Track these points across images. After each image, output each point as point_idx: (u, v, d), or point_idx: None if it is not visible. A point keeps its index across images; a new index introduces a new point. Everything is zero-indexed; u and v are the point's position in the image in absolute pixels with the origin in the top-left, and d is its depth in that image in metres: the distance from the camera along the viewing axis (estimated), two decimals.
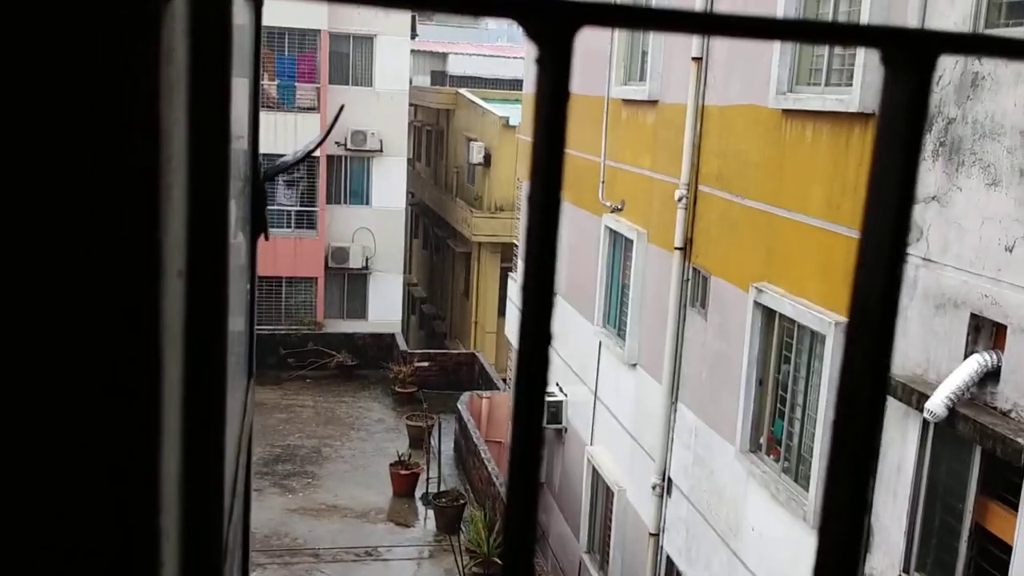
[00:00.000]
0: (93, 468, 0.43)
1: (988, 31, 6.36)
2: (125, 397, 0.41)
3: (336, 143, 25.86)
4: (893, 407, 7.03)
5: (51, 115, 0.40)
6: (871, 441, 0.47)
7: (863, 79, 7.55)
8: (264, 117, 26.49)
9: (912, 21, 6.93)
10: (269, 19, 24.54)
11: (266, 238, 1.43)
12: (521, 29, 0.41)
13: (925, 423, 6.61)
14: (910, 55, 0.42)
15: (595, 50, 13.66)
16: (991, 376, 6.16)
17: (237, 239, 1.17)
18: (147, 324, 0.42)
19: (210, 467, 0.63)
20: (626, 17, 0.40)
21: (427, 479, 17.34)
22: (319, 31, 25.41)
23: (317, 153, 25.02)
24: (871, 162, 0.43)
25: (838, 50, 8.29)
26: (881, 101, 0.43)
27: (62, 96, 0.39)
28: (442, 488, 17.17)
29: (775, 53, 8.85)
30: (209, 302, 0.59)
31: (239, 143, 1.13)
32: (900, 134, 0.42)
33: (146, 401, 0.42)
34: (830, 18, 8.31)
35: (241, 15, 1.05)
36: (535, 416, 0.42)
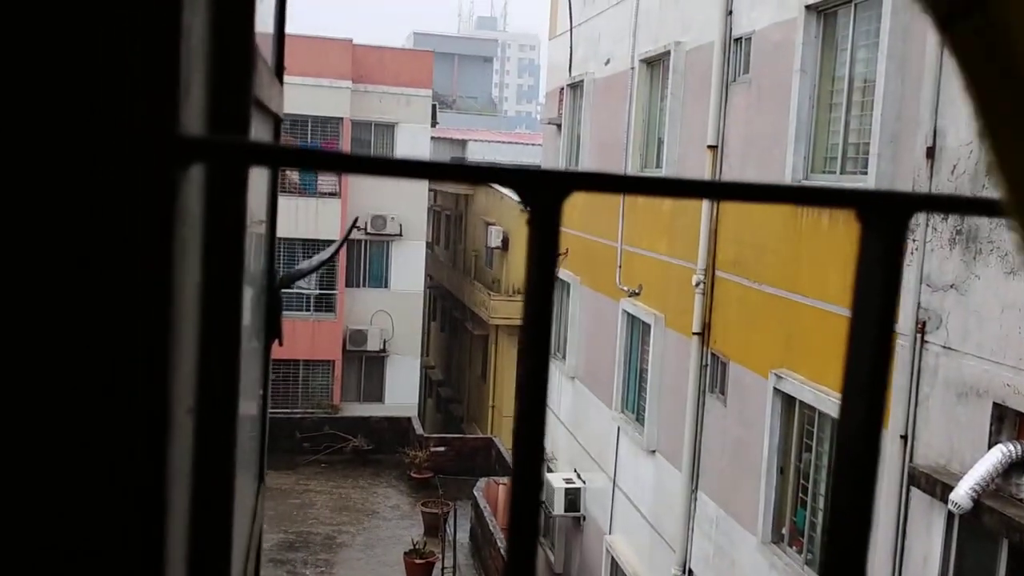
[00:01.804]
0: None
1: None
2: (131, 546, 0.43)
3: (356, 227, 26.19)
4: (917, 498, 6.90)
5: (67, 274, 0.42)
6: (869, 501, 0.47)
7: (878, 167, 7.62)
8: (286, 202, 26.65)
9: (925, 114, 7.03)
10: (293, 107, 25.18)
11: (280, 344, 1.46)
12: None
13: (950, 515, 6.47)
14: (883, 215, 0.44)
15: (612, 136, 13.89)
16: (1016, 467, 6.05)
17: (251, 346, 1.19)
18: (152, 464, 0.44)
19: None
20: (608, 183, 0.42)
21: (442, 568, 17.01)
22: (341, 119, 25.99)
23: (336, 237, 25.33)
24: (850, 314, 0.45)
25: (852, 138, 8.40)
26: (857, 256, 0.45)
27: (80, 256, 0.42)
28: None
29: (790, 141, 8.97)
30: (217, 437, 0.61)
31: (256, 255, 1.16)
32: (876, 288, 0.44)
33: (150, 543, 0.43)
34: (843, 112, 8.44)
35: (264, 137, 1.10)
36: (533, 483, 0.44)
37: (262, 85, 0.87)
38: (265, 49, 1.19)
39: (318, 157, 0.42)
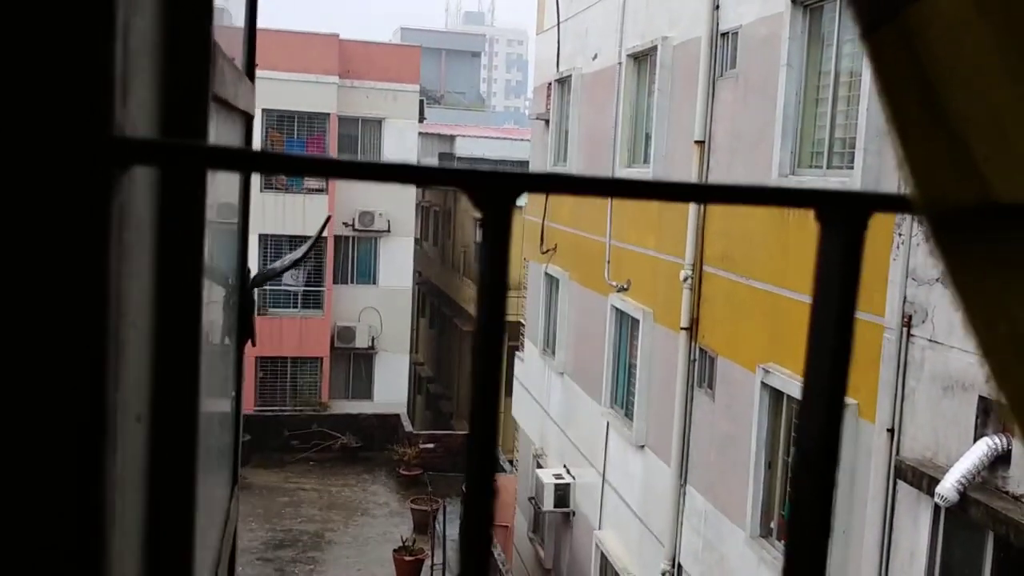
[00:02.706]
0: None
1: None
2: (68, 560, 0.42)
3: (344, 223, 26.13)
4: (904, 491, 6.93)
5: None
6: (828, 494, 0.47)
7: (864, 161, 7.64)
8: (273, 199, 26.55)
9: None
10: (279, 103, 25.06)
11: (253, 344, 1.44)
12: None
13: (936, 508, 6.50)
14: (842, 215, 0.43)
15: (600, 131, 13.89)
16: (1002, 460, 6.08)
17: (224, 346, 1.18)
18: (89, 475, 0.42)
19: None
20: (556, 184, 0.41)
21: (432, 565, 17.02)
22: (328, 114, 25.91)
23: (325, 233, 25.29)
24: (810, 311, 0.44)
25: (839, 133, 8.42)
26: (817, 256, 0.44)
27: (11, 257, 0.41)
28: (447, 575, 16.84)
29: (777, 136, 8.99)
30: (175, 443, 0.59)
31: (227, 254, 1.15)
32: (835, 288, 0.43)
33: (87, 556, 0.42)
34: (830, 106, 8.46)
35: (231, 135, 1.09)
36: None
37: (225, 83, 0.85)
38: (234, 46, 1.18)
39: (264, 159, 0.41)
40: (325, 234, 25.27)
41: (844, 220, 0.44)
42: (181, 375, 0.61)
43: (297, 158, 0.40)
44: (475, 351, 0.43)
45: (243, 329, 1.39)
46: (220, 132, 0.91)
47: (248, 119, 1.29)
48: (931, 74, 0.41)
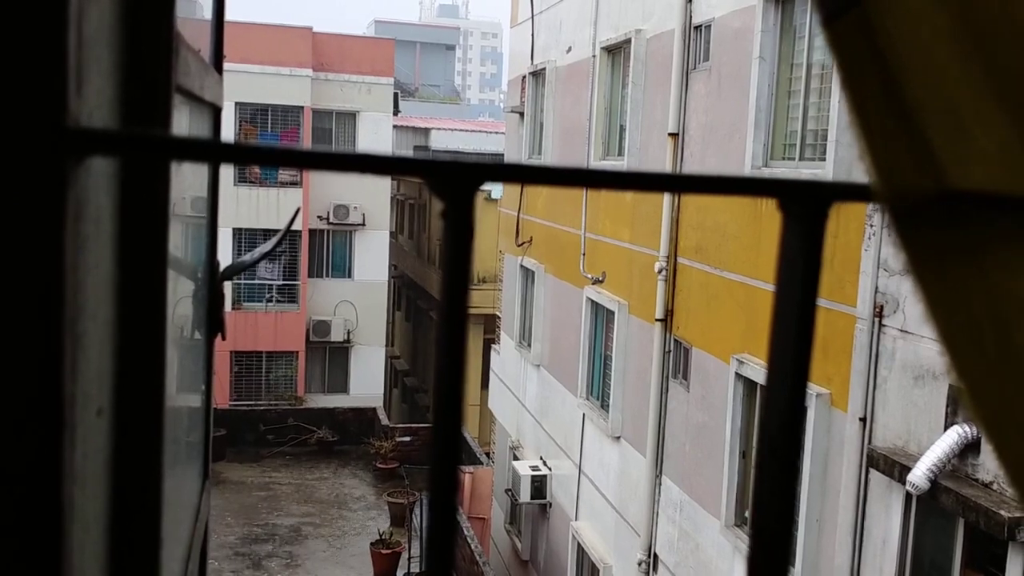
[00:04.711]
0: None
1: None
2: (23, 558, 0.41)
3: (319, 217, 26.01)
4: (876, 479, 7.01)
5: None
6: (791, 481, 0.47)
7: (836, 153, 7.70)
8: (247, 192, 26.35)
9: None
10: (253, 96, 24.87)
11: (223, 338, 1.43)
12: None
13: (908, 496, 6.58)
14: (804, 205, 0.44)
15: (575, 124, 13.90)
16: (971, 447, 6.16)
17: (192, 339, 1.17)
18: (48, 466, 0.42)
19: None
20: (518, 174, 0.41)
21: (409, 558, 17.01)
22: (302, 107, 25.75)
23: (299, 227, 25.15)
24: (773, 299, 0.44)
25: (811, 125, 8.48)
26: (779, 246, 0.44)
27: None
28: (424, 568, 16.83)
29: (750, 128, 9.03)
30: (139, 437, 0.59)
31: (195, 247, 1.14)
32: (798, 277, 0.44)
33: (45, 553, 0.41)
34: (802, 99, 8.51)
35: (198, 128, 1.07)
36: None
37: (190, 74, 0.84)
38: (201, 38, 1.16)
39: (220, 149, 0.40)
40: (299, 227, 25.14)
41: (805, 209, 0.45)
42: (145, 368, 0.61)
43: (255, 148, 0.40)
44: (438, 346, 0.43)
45: (213, 323, 1.38)
46: (186, 125, 0.91)
47: (216, 111, 1.28)
48: (889, 63, 0.41)
